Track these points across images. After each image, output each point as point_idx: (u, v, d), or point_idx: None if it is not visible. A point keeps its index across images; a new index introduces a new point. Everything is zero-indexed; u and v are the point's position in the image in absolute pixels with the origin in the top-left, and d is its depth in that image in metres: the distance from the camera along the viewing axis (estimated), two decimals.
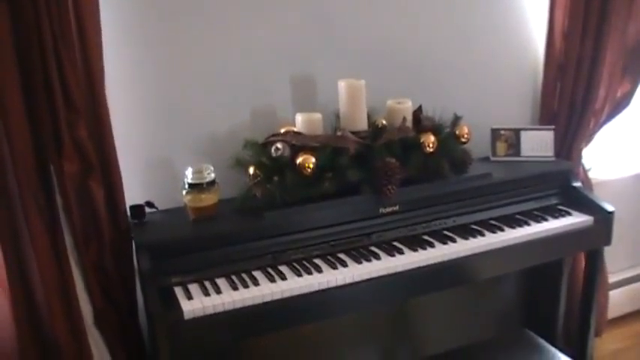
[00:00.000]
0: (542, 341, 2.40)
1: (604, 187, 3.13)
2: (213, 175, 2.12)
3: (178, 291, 1.92)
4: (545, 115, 2.93)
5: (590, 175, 3.07)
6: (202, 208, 2.11)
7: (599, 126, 2.99)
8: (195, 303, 1.85)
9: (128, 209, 2.12)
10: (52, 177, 1.97)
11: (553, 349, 2.34)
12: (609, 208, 2.50)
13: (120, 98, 2.11)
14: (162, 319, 1.79)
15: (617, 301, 3.45)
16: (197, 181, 2.10)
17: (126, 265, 2.13)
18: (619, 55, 2.90)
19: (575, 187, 2.63)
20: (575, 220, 2.46)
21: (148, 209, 2.15)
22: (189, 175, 2.10)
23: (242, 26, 2.31)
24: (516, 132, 2.71)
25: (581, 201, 2.57)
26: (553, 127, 2.75)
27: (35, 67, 1.84)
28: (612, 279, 3.39)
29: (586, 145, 2.98)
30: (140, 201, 2.14)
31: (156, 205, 2.19)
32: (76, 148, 1.95)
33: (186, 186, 2.11)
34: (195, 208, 2.11)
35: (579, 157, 2.95)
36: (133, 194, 2.15)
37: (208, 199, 2.12)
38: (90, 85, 1.95)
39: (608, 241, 2.54)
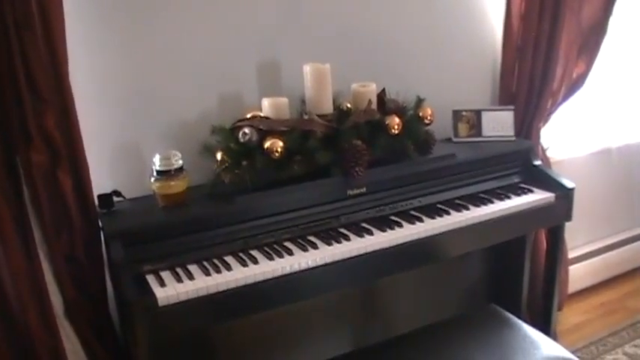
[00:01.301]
0: (508, 315, 2.45)
1: (562, 165, 3.21)
2: (181, 162, 2.12)
3: (151, 279, 1.92)
4: (505, 96, 2.99)
5: (548, 154, 3.14)
6: (171, 195, 2.11)
7: (556, 106, 3.07)
8: (169, 290, 1.85)
9: (96, 199, 2.10)
10: (19, 168, 1.94)
11: (519, 322, 2.40)
12: (569, 184, 2.57)
13: (84, 86, 2.08)
14: (139, 307, 1.79)
15: (577, 275, 3.55)
16: (165, 168, 2.09)
17: (96, 255, 2.11)
18: (574, 36, 2.97)
19: (535, 166, 2.70)
20: (537, 197, 2.52)
21: (116, 198, 2.14)
22: (156, 163, 2.09)
23: (207, 12, 2.30)
24: (477, 113, 2.76)
25: (542, 179, 2.64)
26: (513, 107, 2.81)
27: None
28: (572, 254, 3.49)
29: (544, 124, 3.05)
30: (109, 190, 2.13)
31: (124, 194, 2.17)
32: (44, 137, 1.92)
33: (155, 173, 2.10)
34: (164, 195, 2.11)
35: (538, 136, 3.02)
36: (101, 183, 2.13)
37: (177, 186, 2.11)
38: (54, 73, 1.92)
39: (569, 216, 2.61)
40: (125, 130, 2.25)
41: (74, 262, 2.07)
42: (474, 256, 2.98)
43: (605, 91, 3.56)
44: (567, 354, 2.23)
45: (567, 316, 3.44)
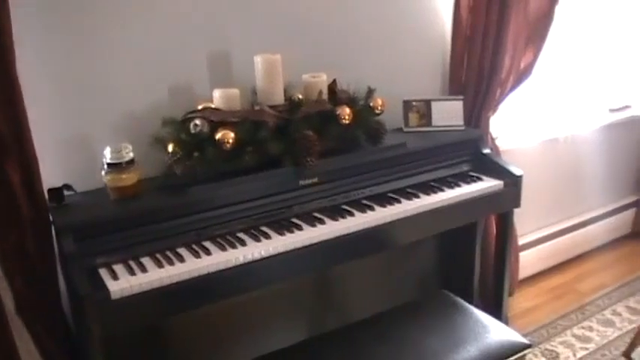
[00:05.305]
0: (460, 301, 2.51)
1: (511, 154, 3.26)
2: (132, 154, 2.11)
3: (103, 272, 1.91)
4: (454, 86, 3.03)
5: (498, 143, 3.20)
6: (123, 187, 2.10)
7: (504, 95, 3.12)
8: (122, 283, 1.84)
9: (46, 193, 2.08)
10: None
11: (471, 308, 2.45)
12: (517, 172, 2.63)
13: (32, 77, 2.05)
14: (91, 300, 1.78)
15: (527, 261, 3.64)
16: (116, 161, 2.08)
17: (47, 250, 2.09)
18: (522, 27, 3.03)
19: (485, 154, 2.75)
20: (486, 184, 2.58)
21: (66, 192, 2.12)
22: (107, 155, 2.08)
23: (157, 2, 2.28)
24: (427, 103, 2.79)
25: (491, 166, 2.69)
26: (462, 97, 2.85)
27: None
28: (522, 241, 3.57)
29: (493, 113, 3.10)
30: (59, 184, 2.10)
31: (75, 187, 2.15)
32: None
33: (106, 166, 2.09)
34: (115, 188, 2.10)
35: (487, 125, 3.07)
36: (51, 177, 2.11)
37: (128, 178, 2.10)
38: (1, 63, 1.88)
39: (517, 203, 2.67)
40: (75, 123, 2.22)
41: (25, 257, 2.04)
42: (425, 243, 3.04)
43: (554, 81, 3.64)
44: (517, 337, 2.30)
45: (519, 301, 3.53)
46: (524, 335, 2.79)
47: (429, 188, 2.50)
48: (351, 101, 2.44)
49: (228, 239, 2.09)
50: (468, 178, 2.61)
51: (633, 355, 2.98)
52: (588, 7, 3.66)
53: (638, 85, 4.08)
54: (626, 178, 4.25)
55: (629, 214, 4.29)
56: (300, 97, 2.35)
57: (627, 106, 4.07)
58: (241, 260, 2.01)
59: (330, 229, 2.18)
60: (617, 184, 4.19)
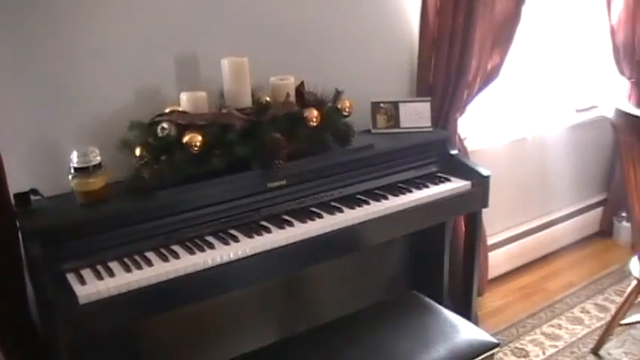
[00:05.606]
0: (429, 301, 2.52)
1: (480, 155, 3.30)
2: (99, 158, 2.10)
3: (71, 277, 1.90)
4: (422, 88, 3.04)
5: (466, 143, 3.23)
6: (90, 192, 2.09)
7: (472, 97, 3.15)
8: (89, 288, 1.84)
9: (12, 197, 2.06)
10: None
11: (440, 308, 2.47)
12: (485, 172, 2.65)
13: None
14: (59, 306, 1.77)
15: (496, 261, 3.68)
16: (83, 165, 2.07)
17: (14, 255, 2.07)
18: (488, 30, 3.06)
19: (452, 155, 2.78)
20: (454, 185, 2.60)
21: (33, 197, 2.10)
22: (74, 159, 2.07)
23: (124, 5, 2.27)
24: (395, 104, 2.81)
25: (459, 167, 2.71)
26: (429, 98, 2.87)
27: None
28: (491, 241, 3.60)
29: (460, 115, 3.13)
30: (26, 188, 2.09)
31: (42, 192, 2.14)
32: None
33: (72, 170, 2.08)
34: (83, 192, 2.09)
35: (455, 126, 3.10)
36: (17, 182, 2.08)
37: (96, 182, 2.09)
38: None
39: (485, 203, 2.69)
40: (42, 127, 2.20)
41: None
42: (395, 244, 3.05)
43: (522, 81, 3.68)
44: (486, 336, 2.31)
45: (488, 301, 3.56)
46: (495, 334, 2.84)
47: (397, 189, 2.51)
48: (318, 103, 2.45)
49: (196, 243, 2.09)
50: (436, 179, 2.63)
51: (601, 351, 3.03)
52: (554, 9, 3.70)
53: (604, 86, 4.14)
54: (594, 177, 4.31)
55: (597, 212, 4.34)
56: (268, 99, 2.35)
57: (594, 107, 4.12)
58: (210, 263, 2.01)
59: (299, 231, 2.18)
60: (585, 183, 4.24)
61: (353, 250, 2.55)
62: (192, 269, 1.98)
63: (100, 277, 1.89)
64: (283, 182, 2.31)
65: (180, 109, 2.25)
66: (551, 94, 3.91)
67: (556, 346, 3.11)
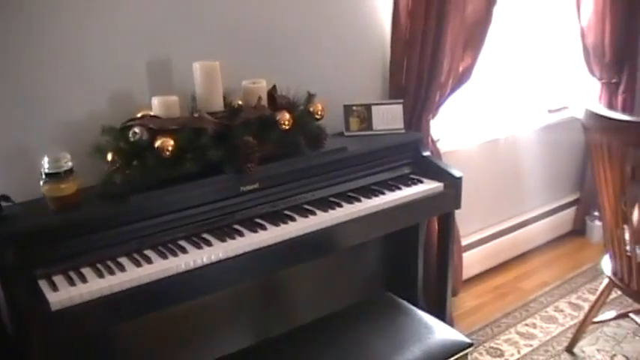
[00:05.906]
0: (404, 303, 2.53)
1: (453, 156, 3.32)
2: (70, 164, 2.08)
3: (43, 283, 1.88)
4: (395, 90, 3.06)
5: (439, 145, 3.25)
6: (62, 197, 2.07)
7: (444, 98, 3.17)
8: (62, 294, 1.82)
9: None
10: None
11: (414, 309, 2.49)
12: (457, 174, 2.67)
13: None
14: (31, 312, 1.76)
15: (471, 261, 3.70)
16: (54, 171, 2.05)
17: None
18: (460, 31, 3.08)
19: (425, 157, 2.79)
20: (427, 187, 2.62)
21: (4, 203, 2.09)
22: (45, 165, 2.05)
23: (95, 9, 2.26)
24: (367, 107, 2.82)
25: (432, 169, 2.73)
26: (402, 100, 2.88)
27: None
28: (465, 242, 3.63)
29: (433, 116, 3.15)
30: None
31: (13, 198, 2.11)
32: None
33: (44, 176, 2.06)
34: (54, 198, 2.07)
35: (428, 128, 3.12)
36: None
37: (67, 188, 2.08)
38: None
39: (458, 204, 2.71)
40: (11, 132, 2.18)
41: None
42: (368, 245, 3.06)
43: (494, 83, 3.71)
44: (460, 336, 2.33)
45: (463, 301, 3.59)
46: (470, 334, 2.86)
47: (370, 192, 2.53)
48: (290, 106, 2.46)
49: (169, 247, 2.09)
50: (408, 181, 2.64)
51: (575, 349, 3.06)
52: (525, 11, 3.74)
53: (575, 87, 4.19)
54: (566, 177, 4.36)
55: (570, 212, 4.40)
56: (240, 103, 2.36)
57: (565, 107, 4.17)
58: (183, 268, 2.00)
59: (272, 234, 2.19)
60: (557, 183, 4.30)
61: (326, 253, 2.57)
62: (166, 274, 1.97)
63: (72, 283, 1.88)
64: (256, 186, 2.31)
65: (152, 113, 2.24)
66: (523, 95, 3.95)
67: (531, 345, 3.15)
